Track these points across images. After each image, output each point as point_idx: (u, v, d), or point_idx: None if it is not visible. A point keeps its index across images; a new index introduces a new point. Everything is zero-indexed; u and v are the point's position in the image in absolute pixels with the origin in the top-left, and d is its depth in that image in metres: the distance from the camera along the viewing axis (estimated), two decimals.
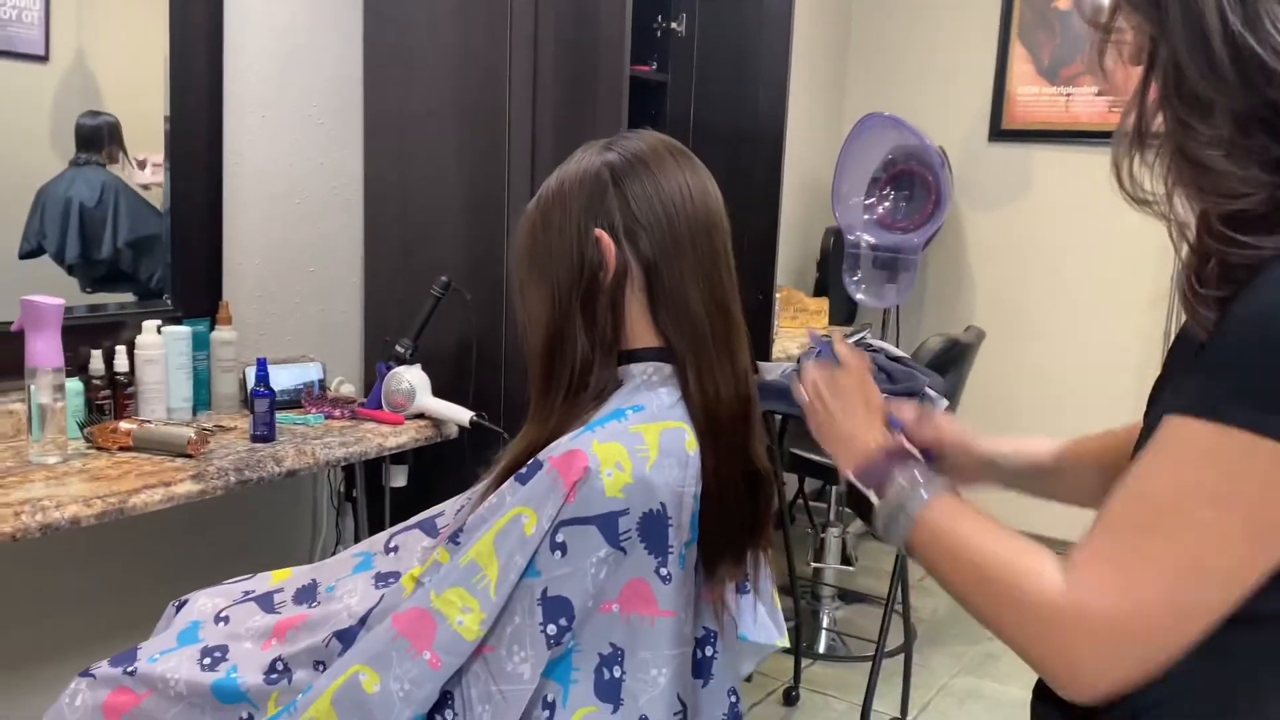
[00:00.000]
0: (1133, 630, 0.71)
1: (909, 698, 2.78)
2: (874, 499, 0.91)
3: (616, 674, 1.01)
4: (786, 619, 1.28)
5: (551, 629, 0.99)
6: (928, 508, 0.87)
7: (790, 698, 2.84)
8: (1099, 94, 3.69)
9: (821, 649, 3.17)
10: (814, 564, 3.29)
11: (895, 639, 2.95)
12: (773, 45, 2.78)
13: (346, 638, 1.10)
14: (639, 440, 1.03)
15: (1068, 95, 3.77)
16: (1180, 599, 0.70)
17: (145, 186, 2.13)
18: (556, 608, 0.99)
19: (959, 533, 0.83)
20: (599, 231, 1.08)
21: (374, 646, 1.02)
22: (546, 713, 1.00)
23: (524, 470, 1.03)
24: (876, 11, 4.16)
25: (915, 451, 1.00)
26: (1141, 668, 0.72)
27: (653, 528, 1.01)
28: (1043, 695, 0.85)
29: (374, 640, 1.03)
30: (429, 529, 1.26)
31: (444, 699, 1.01)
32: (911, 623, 2.92)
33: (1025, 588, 0.75)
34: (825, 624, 3.26)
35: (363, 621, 1.11)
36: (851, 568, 3.35)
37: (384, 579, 1.18)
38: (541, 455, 1.03)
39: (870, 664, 2.62)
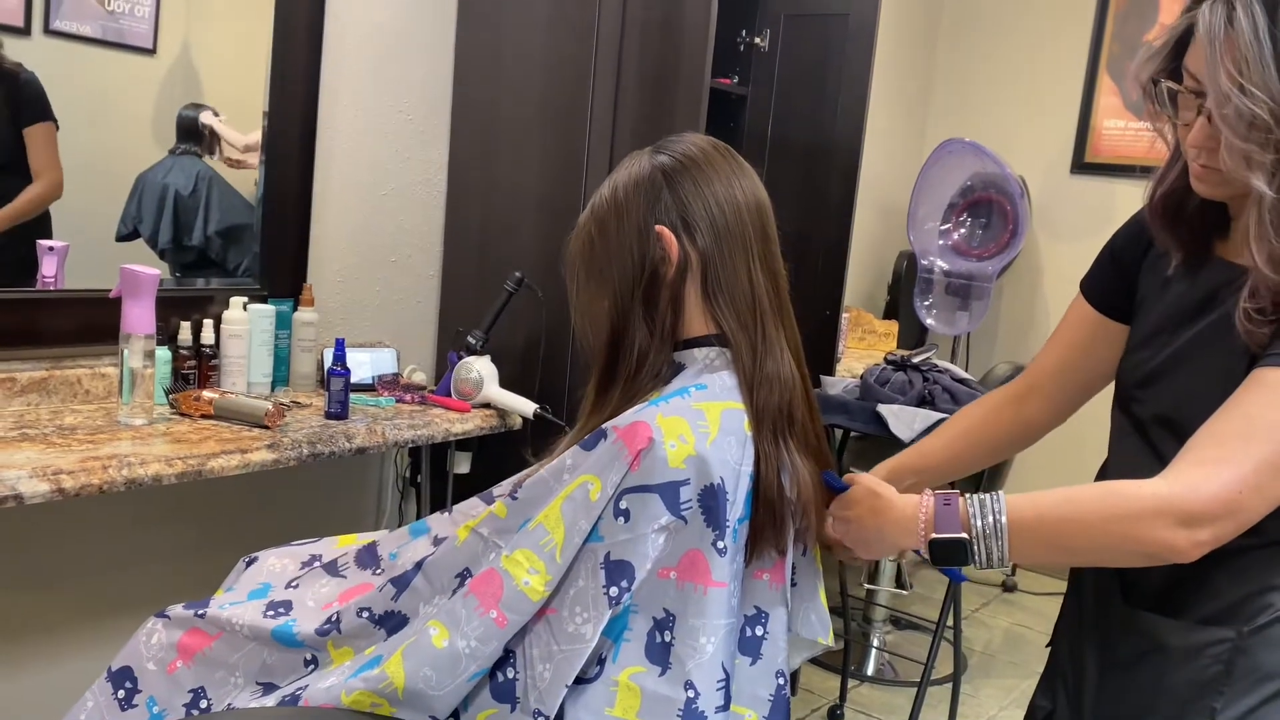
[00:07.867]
0: (1229, 507, 0.93)
1: None
2: (966, 534, 1.01)
3: (667, 638, 1.04)
4: (836, 638, 1.29)
5: (614, 590, 1.02)
6: (1010, 508, 0.99)
7: (834, 716, 2.83)
8: None
9: (870, 671, 3.15)
10: (867, 585, 3.27)
11: (946, 668, 2.93)
12: (855, 65, 2.80)
13: (401, 582, 1.16)
14: (701, 417, 1.07)
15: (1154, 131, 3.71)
16: (1262, 484, 0.93)
17: (234, 162, 2.23)
18: (618, 571, 1.03)
19: (1054, 504, 0.99)
20: (660, 228, 1.12)
21: (449, 604, 1.08)
22: (597, 667, 1.04)
23: (588, 438, 1.07)
24: (963, 37, 4.14)
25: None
26: (1235, 531, 0.95)
27: (711, 501, 1.04)
28: (1075, 590, 1.07)
29: (452, 600, 1.09)
30: (486, 499, 1.31)
31: (506, 657, 1.06)
32: (962, 652, 2.89)
33: (1133, 502, 0.95)
34: (875, 645, 3.24)
35: (418, 566, 1.16)
36: (905, 592, 3.33)
37: (440, 541, 1.23)
38: (607, 425, 1.07)
39: (917, 689, 2.60)
